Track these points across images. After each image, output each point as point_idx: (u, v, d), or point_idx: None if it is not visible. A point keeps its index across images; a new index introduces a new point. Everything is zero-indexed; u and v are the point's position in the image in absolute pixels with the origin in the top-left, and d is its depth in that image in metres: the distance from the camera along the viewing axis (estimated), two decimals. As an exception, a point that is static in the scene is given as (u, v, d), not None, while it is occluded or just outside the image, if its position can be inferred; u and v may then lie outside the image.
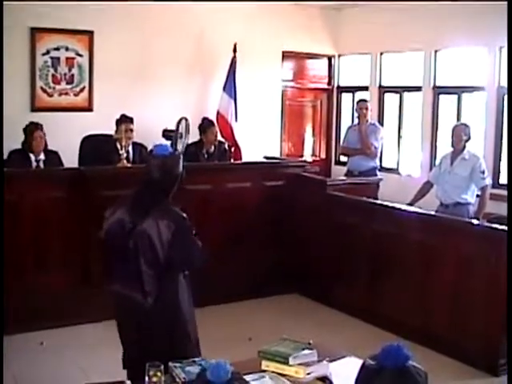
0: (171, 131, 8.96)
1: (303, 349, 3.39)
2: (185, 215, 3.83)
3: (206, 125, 8.01)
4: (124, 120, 7.32)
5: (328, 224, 7.12)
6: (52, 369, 5.27)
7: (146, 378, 3.08)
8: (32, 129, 7.00)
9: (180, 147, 8.81)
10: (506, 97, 8.65)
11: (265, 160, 8.43)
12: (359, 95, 10.42)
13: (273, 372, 3.32)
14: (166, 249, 3.70)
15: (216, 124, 8.50)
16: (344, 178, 8.56)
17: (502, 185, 8.53)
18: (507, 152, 6.94)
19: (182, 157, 4.03)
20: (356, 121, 9.10)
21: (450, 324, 5.83)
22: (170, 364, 3.24)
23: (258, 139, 9.99)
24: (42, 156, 7.03)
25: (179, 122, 9.05)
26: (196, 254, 3.90)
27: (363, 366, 2.57)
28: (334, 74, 11.34)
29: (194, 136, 8.49)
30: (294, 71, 11.00)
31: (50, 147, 7.16)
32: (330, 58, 11.26)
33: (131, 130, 7.29)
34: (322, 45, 10.92)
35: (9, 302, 5.82)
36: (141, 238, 3.70)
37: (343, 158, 10.35)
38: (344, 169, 9.35)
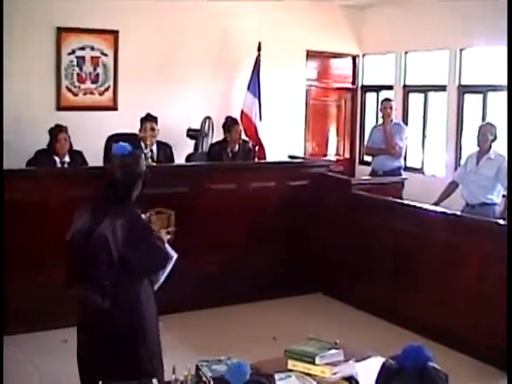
0: (195, 130, 9.03)
1: (330, 348, 3.40)
2: (143, 216, 3.77)
3: (230, 123, 8.01)
4: (149, 119, 7.35)
5: (352, 223, 7.11)
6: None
7: (173, 376, 3.10)
8: (56, 131, 7.04)
9: (204, 146, 8.88)
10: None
11: (289, 159, 8.44)
12: (383, 94, 10.41)
13: (299, 371, 3.33)
14: (120, 248, 3.61)
15: (240, 123, 8.49)
16: (368, 177, 8.56)
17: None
18: (507, 152, 6.93)
19: (143, 156, 3.93)
20: (380, 120, 9.09)
21: (472, 324, 5.80)
22: (198, 362, 3.26)
23: (282, 138, 9.98)
24: (66, 158, 7.05)
25: (203, 121, 9.13)
26: (156, 258, 3.79)
27: (383, 366, 2.57)
28: (358, 73, 11.32)
29: (218, 135, 8.54)
30: (318, 70, 10.99)
31: (75, 146, 7.20)
32: (354, 58, 11.24)
33: (153, 129, 7.31)
34: (346, 44, 10.90)
35: (30, 300, 5.88)
36: (98, 239, 3.63)
37: (367, 158, 10.34)
38: (368, 168, 9.33)
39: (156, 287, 3.92)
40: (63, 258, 3.81)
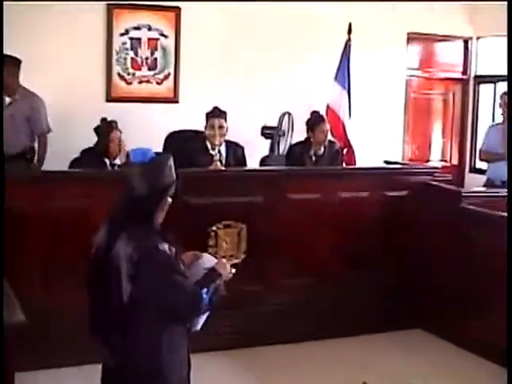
0: (272, 128, 9.04)
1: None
2: (162, 247, 3.47)
3: (314, 121, 7.99)
4: (217, 114, 7.36)
5: (461, 245, 7.01)
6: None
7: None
8: (108, 129, 7.03)
9: (282, 147, 8.89)
10: None
11: (385, 165, 8.40)
12: (502, 87, 10.27)
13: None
14: (128, 285, 3.42)
15: (326, 120, 8.48)
16: (483, 188, 8.50)
17: None
18: (507, 151, 6.81)
19: (171, 162, 3.63)
20: (498, 118, 8.98)
21: None
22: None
23: (376, 140, 9.97)
24: (117, 160, 7.09)
25: (281, 118, 9.14)
26: (179, 301, 3.54)
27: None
28: (470, 60, 11.24)
29: (298, 134, 8.52)
30: (421, 57, 10.96)
31: (128, 145, 7.26)
32: (465, 41, 11.17)
33: (221, 127, 7.31)
34: (456, 24, 10.80)
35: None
36: (112, 263, 3.45)
37: (481, 165, 10.22)
38: (481, 178, 9.24)
39: (194, 328, 3.76)
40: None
